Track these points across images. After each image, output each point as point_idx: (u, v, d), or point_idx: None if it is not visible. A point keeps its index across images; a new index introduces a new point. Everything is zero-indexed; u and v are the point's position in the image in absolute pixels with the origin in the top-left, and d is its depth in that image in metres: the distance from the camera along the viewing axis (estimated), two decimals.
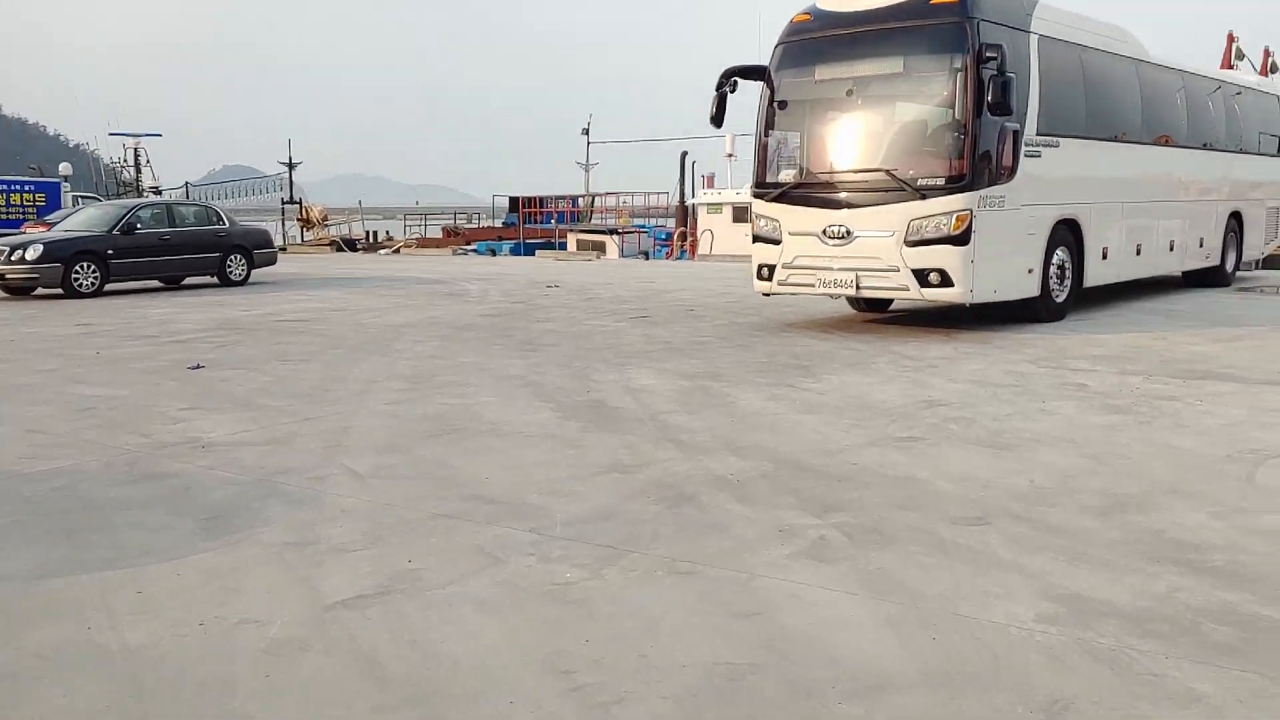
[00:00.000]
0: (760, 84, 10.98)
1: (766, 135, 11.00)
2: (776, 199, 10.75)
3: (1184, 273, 15.07)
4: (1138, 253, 12.77)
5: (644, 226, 33.95)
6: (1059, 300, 11.22)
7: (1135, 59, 12.67)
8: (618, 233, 31.83)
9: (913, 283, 9.96)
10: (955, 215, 9.71)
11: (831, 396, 7.27)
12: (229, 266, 18.34)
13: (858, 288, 10.27)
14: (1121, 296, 13.40)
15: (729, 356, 9.12)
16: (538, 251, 29.07)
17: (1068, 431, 6.09)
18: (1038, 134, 10.51)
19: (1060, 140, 10.92)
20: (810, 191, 10.56)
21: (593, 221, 37.41)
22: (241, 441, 6.21)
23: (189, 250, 17.75)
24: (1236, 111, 15.80)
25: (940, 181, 9.78)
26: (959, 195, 9.71)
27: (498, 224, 42.71)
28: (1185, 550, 4.06)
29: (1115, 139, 12.23)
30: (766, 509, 4.67)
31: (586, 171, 41.73)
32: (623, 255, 28.84)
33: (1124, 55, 12.44)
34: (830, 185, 10.47)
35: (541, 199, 39.34)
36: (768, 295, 11.35)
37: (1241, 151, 15.77)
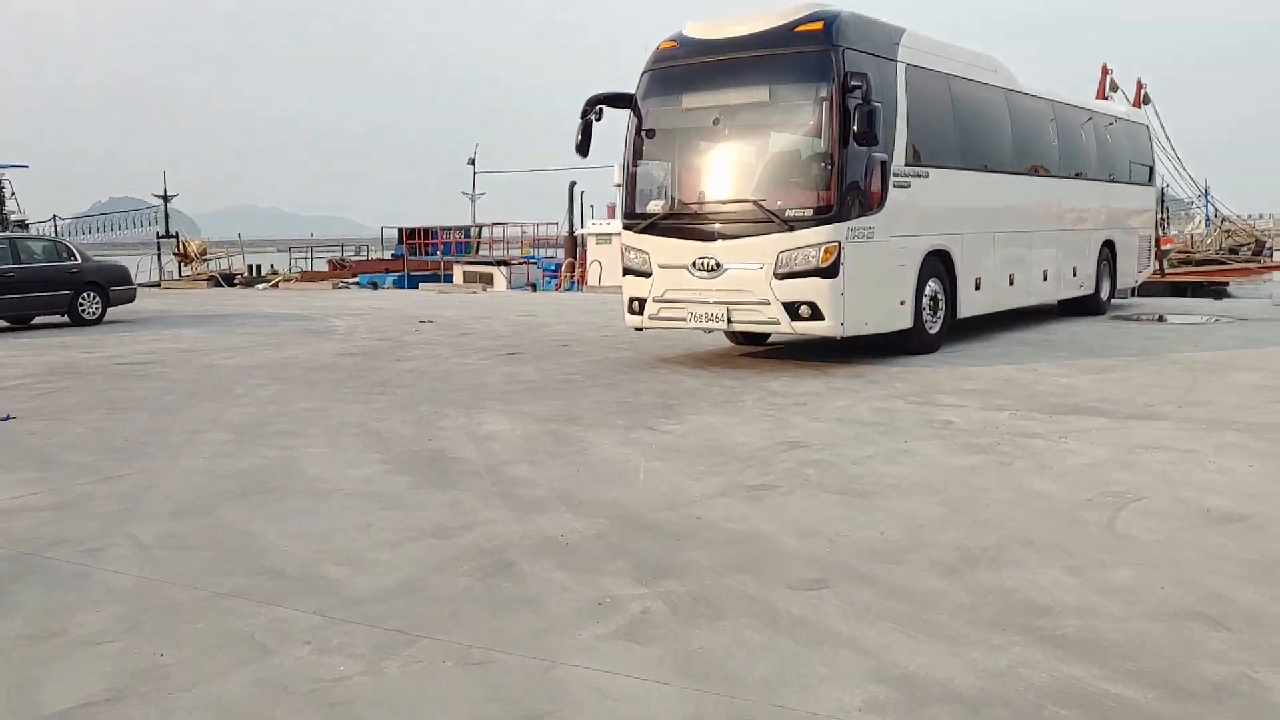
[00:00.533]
0: (628, 112, 10.62)
1: (634, 165, 10.63)
2: (645, 230, 10.37)
3: (1060, 301, 15.18)
4: (1011, 283, 12.75)
5: (533, 258, 33.42)
6: (933, 332, 11.06)
7: (1005, 88, 12.70)
8: (506, 264, 31.23)
9: (783, 316, 9.66)
10: (823, 247, 9.45)
11: (690, 439, 6.86)
12: (81, 304, 17.25)
13: (729, 321, 9.93)
14: (997, 326, 13.36)
15: (592, 396, 8.66)
16: (422, 284, 28.29)
17: (927, 475, 5.76)
18: (906, 164, 10.36)
19: (930, 170, 10.80)
20: (679, 223, 10.21)
21: (482, 253, 36.70)
22: (20, 507, 5.51)
23: (35, 288, 16.63)
24: (1108, 141, 16.07)
25: (808, 213, 9.52)
26: (827, 227, 9.45)
27: (388, 256, 41.69)
28: (1035, 614, 3.70)
29: (986, 169, 12.20)
30: (591, 577, 4.19)
31: (473, 202, 41.05)
32: (510, 287, 28.25)
33: (994, 85, 12.46)
34: (699, 216, 10.14)
35: (430, 230, 38.50)
36: (640, 330, 10.96)
37: (1113, 180, 16.02)
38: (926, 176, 10.73)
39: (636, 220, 10.49)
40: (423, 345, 12.92)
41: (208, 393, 9.35)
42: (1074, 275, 14.62)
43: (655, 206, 10.47)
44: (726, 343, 12.10)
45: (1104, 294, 15.74)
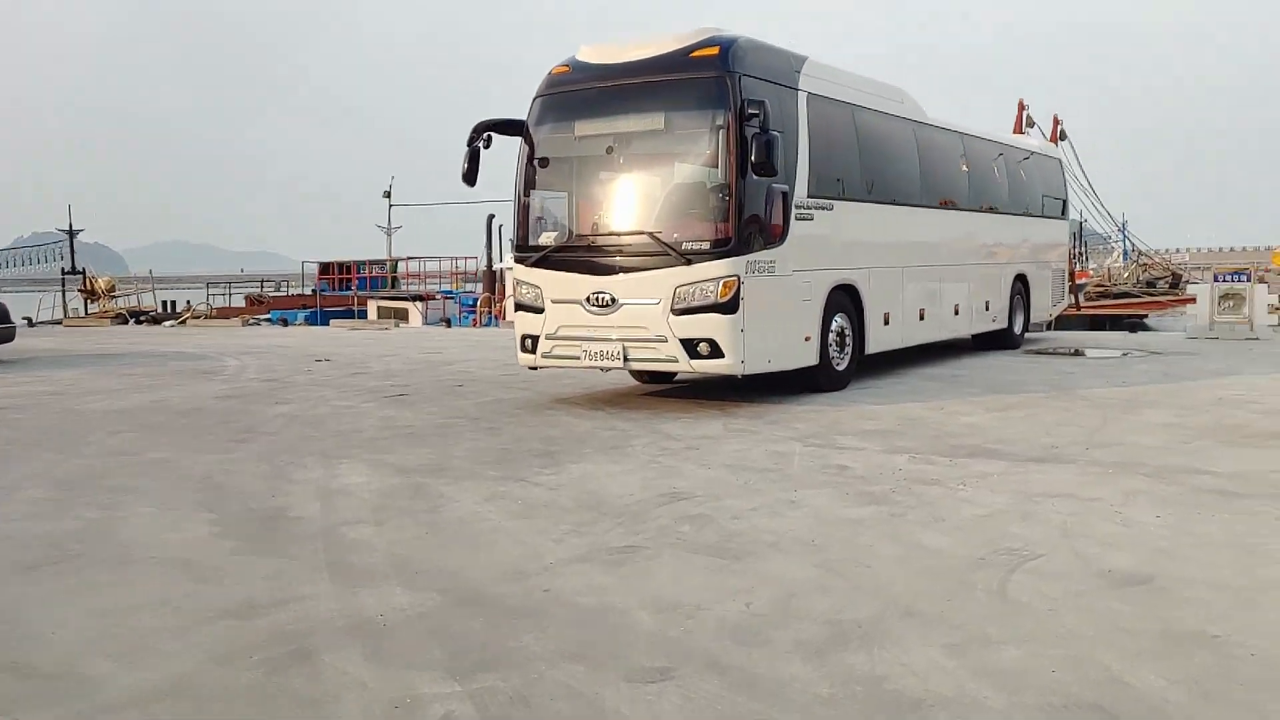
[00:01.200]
0: (519, 140, 10.09)
1: (526, 195, 10.08)
2: (537, 264, 9.81)
3: (973, 335, 14.95)
4: (922, 317, 12.42)
5: (450, 292, 32.67)
6: (840, 368, 10.64)
7: (913, 120, 12.44)
8: (422, 299, 30.44)
9: (682, 354, 9.15)
10: (722, 281, 8.97)
11: (564, 492, 6.27)
12: None
13: (625, 359, 9.39)
14: (909, 362, 13.03)
15: (470, 443, 8.03)
16: (334, 321, 27.40)
17: (811, 530, 5.25)
18: (809, 196, 9.96)
19: (834, 203, 10.42)
20: (573, 256, 9.67)
21: (403, 287, 35.84)
22: None
23: None
24: (1020, 175, 15.96)
25: (705, 246, 9.05)
26: (725, 260, 8.99)
27: (308, 291, 40.61)
28: (903, 710, 3.17)
29: (893, 202, 11.89)
30: (398, 671, 3.57)
31: (389, 235, 40.24)
32: (426, 323, 27.48)
33: (901, 116, 12.18)
34: (593, 249, 9.61)
35: (348, 264, 37.55)
36: (534, 369, 10.38)
37: (1026, 214, 15.89)
38: (831, 209, 10.35)
39: (528, 253, 9.93)
40: (309, 386, 12.17)
41: (53, 441, 8.53)
42: (987, 309, 14.39)
43: (548, 239, 9.93)
44: (632, 381, 11.57)
45: (1017, 328, 15.55)
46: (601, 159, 9.73)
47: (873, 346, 11.29)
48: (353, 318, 28.82)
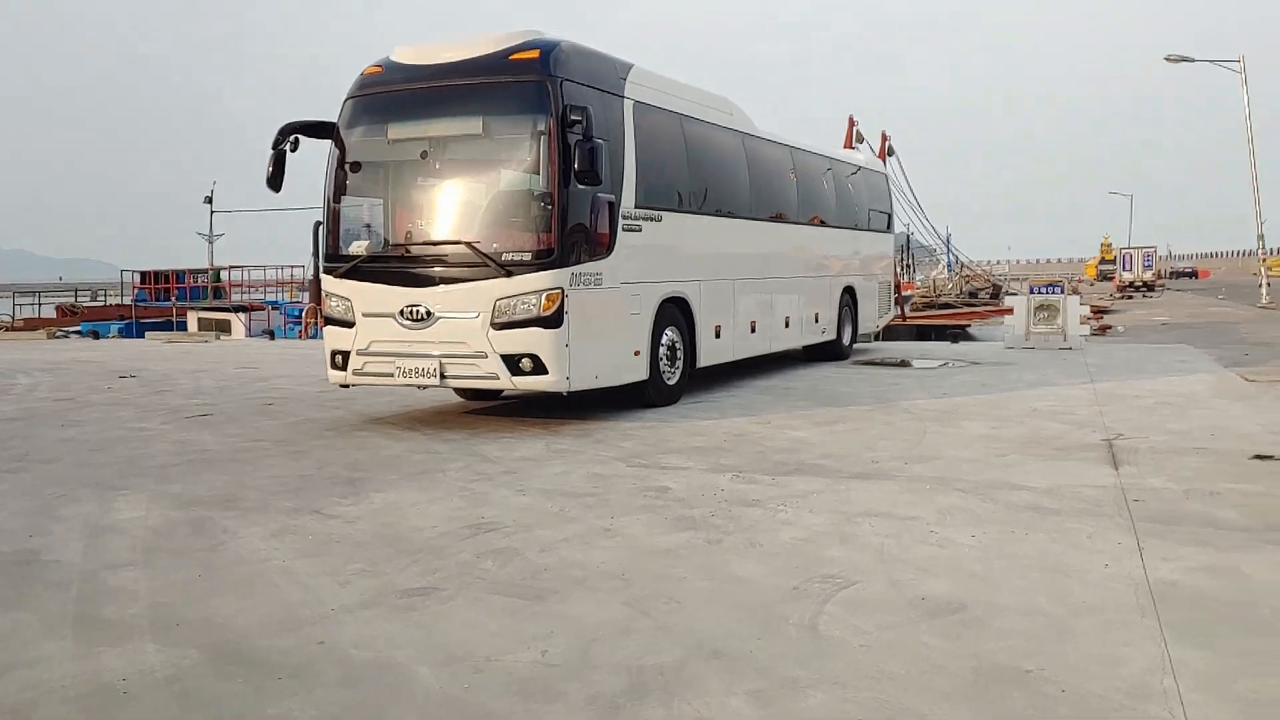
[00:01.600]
0: (329, 143, 9.50)
1: (336, 201, 9.48)
2: (348, 274, 9.24)
3: (805, 347, 15.07)
4: (753, 330, 12.37)
5: (275, 303, 31.26)
6: (671, 383, 10.44)
7: (742, 132, 12.40)
8: (246, 310, 28.99)
9: (503, 370, 8.74)
10: (545, 294, 8.62)
11: (362, 525, 5.78)
12: None
13: (442, 377, 8.91)
14: (742, 374, 12.99)
15: (269, 469, 7.42)
16: (150, 333, 25.74)
17: (622, 563, 4.94)
18: (637, 207, 9.72)
19: (663, 214, 10.23)
20: (385, 266, 9.14)
21: (226, 297, 34.10)
22: None
23: None
24: (849, 189, 16.21)
25: (527, 257, 8.68)
26: (548, 272, 8.64)
27: (127, 301, 38.23)
28: None
29: (724, 214, 11.80)
30: None
31: (210, 243, 38.32)
32: (250, 335, 26.14)
33: (730, 128, 12.11)
34: (408, 259, 9.11)
35: (168, 274, 35.49)
36: (346, 387, 9.79)
37: (854, 228, 16.15)
38: (660, 220, 10.15)
39: (338, 263, 9.35)
40: (105, 406, 11.19)
41: None
42: (816, 321, 14.51)
43: (359, 248, 9.37)
44: (456, 398, 11.08)
45: (846, 339, 15.77)
46: (417, 164, 9.24)
47: (705, 360, 11.15)
48: (171, 329, 27.18)
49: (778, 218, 13.32)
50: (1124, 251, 60.13)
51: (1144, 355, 15.51)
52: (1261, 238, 31.57)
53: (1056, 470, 6.99)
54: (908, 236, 56.92)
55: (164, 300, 33.55)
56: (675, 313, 10.54)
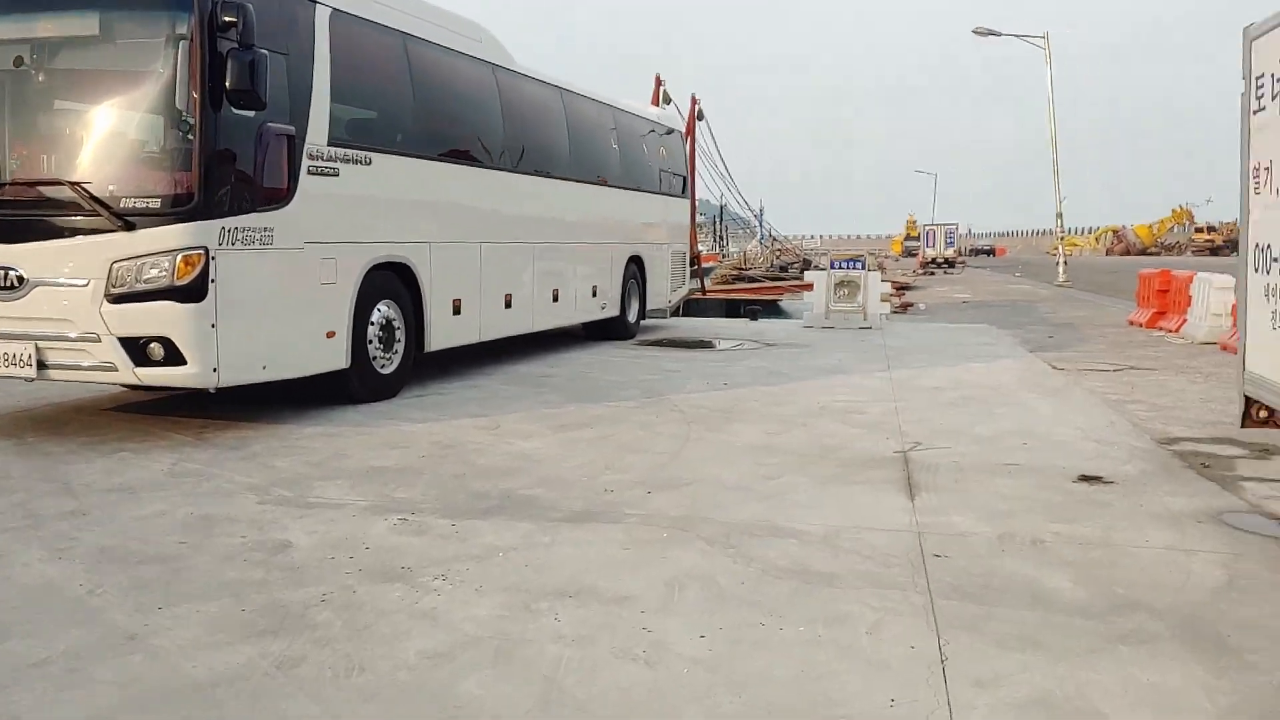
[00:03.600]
0: None
1: None
2: None
3: (585, 325, 13.21)
4: (509, 305, 10.34)
5: None
6: (385, 371, 8.33)
7: (494, 64, 10.29)
8: None
9: (123, 358, 6.42)
10: (180, 255, 6.34)
11: None
12: None
13: (41, 366, 6.52)
14: (502, 357, 11.01)
15: None
16: None
17: (131, 711, 2.85)
18: (332, 143, 7.52)
19: (373, 156, 8.05)
20: None
21: None
22: None
23: None
24: (638, 147, 14.38)
25: (155, 203, 6.36)
26: (185, 225, 6.36)
27: None
28: None
29: (468, 161, 9.70)
30: None
31: None
32: None
33: (476, 57, 9.98)
34: None
35: None
36: None
37: (643, 190, 14.33)
38: (369, 164, 7.97)
39: None
40: None
41: None
42: (595, 295, 12.63)
43: None
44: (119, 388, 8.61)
45: (633, 316, 13.98)
46: (9, 76, 6.74)
47: (438, 342, 9.06)
48: None
49: (543, 171, 11.32)
50: (927, 228, 61.27)
51: (946, 337, 14.38)
52: (1060, 216, 31.85)
53: (838, 501, 5.30)
54: (721, 207, 56.49)
55: None
56: (395, 283, 8.41)
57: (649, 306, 14.73)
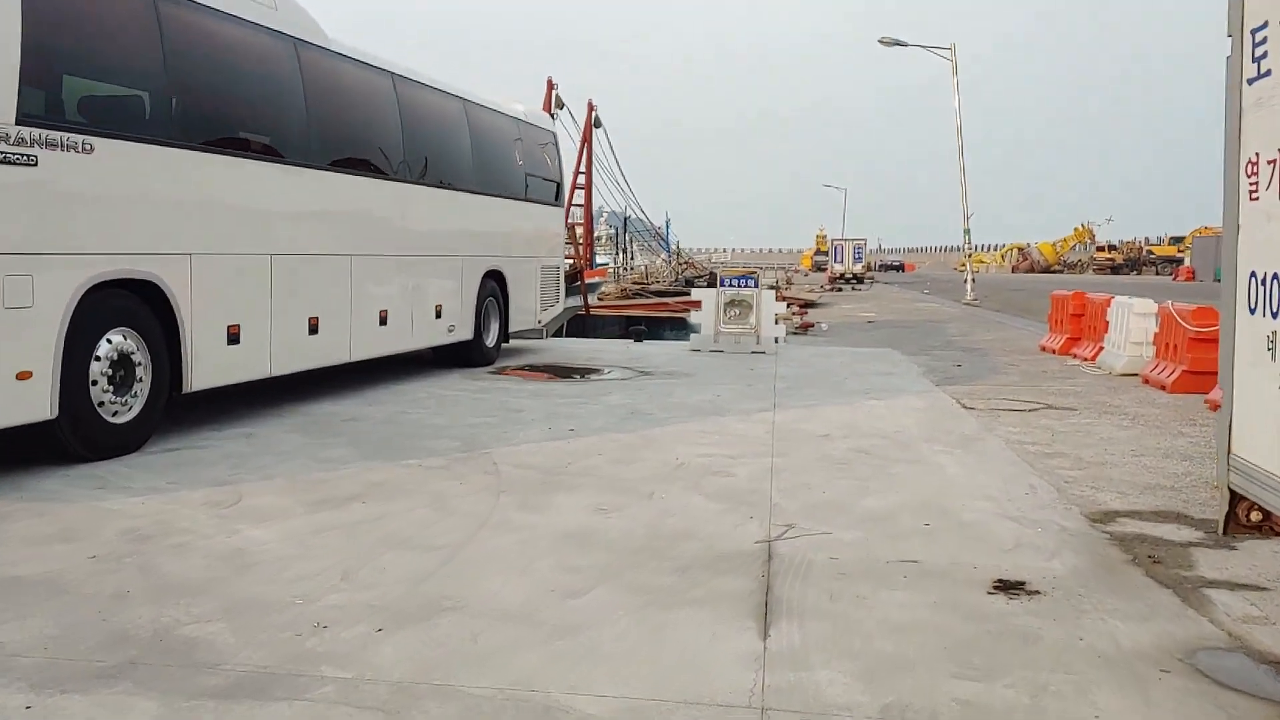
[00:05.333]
0: None
1: None
2: None
3: (435, 349, 11.42)
4: (314, 330, 8.49)
5: None
6: (121, 420, 6.45)
7: (294, 38, 8.44)
8: None
9: None
10: None
11: None
12: None
13: None
14: (315, 389, 9.15)
15: None
16: None
17: None
18: (23, 121, 5.62)
19: (97, 141, 6.16)
20: None
21: None
22: None
23: None
24: (502, 147, 12.63)
25: None
26: None
27: None
28: None
29: (255, 154, 7.85)
30: None
31: None
32: None
33: (268, 27, 8.12)
34: None
35: None
36: None
37: (506, 196, 12.57)
38: (89, 150, 6.08)
39: None
40: None
41: None
42: (439, 317, 10.83)
43: None
44: None
45: (490, 339, 12.21)
46: None
47: (204, 379, 7.19)
48: None
49: (367, 171, 9.50)
50: (836, 243, 60.58)
51: (845, 364, 12.92)
52: (967, 232, 30.91)
53: (658, 643, 3.63)
54: (625, 219, 54.88)
55: None
56: (136, 305, 6.52)
57: (514, 328, 12.99)
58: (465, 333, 11.48)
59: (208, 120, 7.40)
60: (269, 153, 8.03)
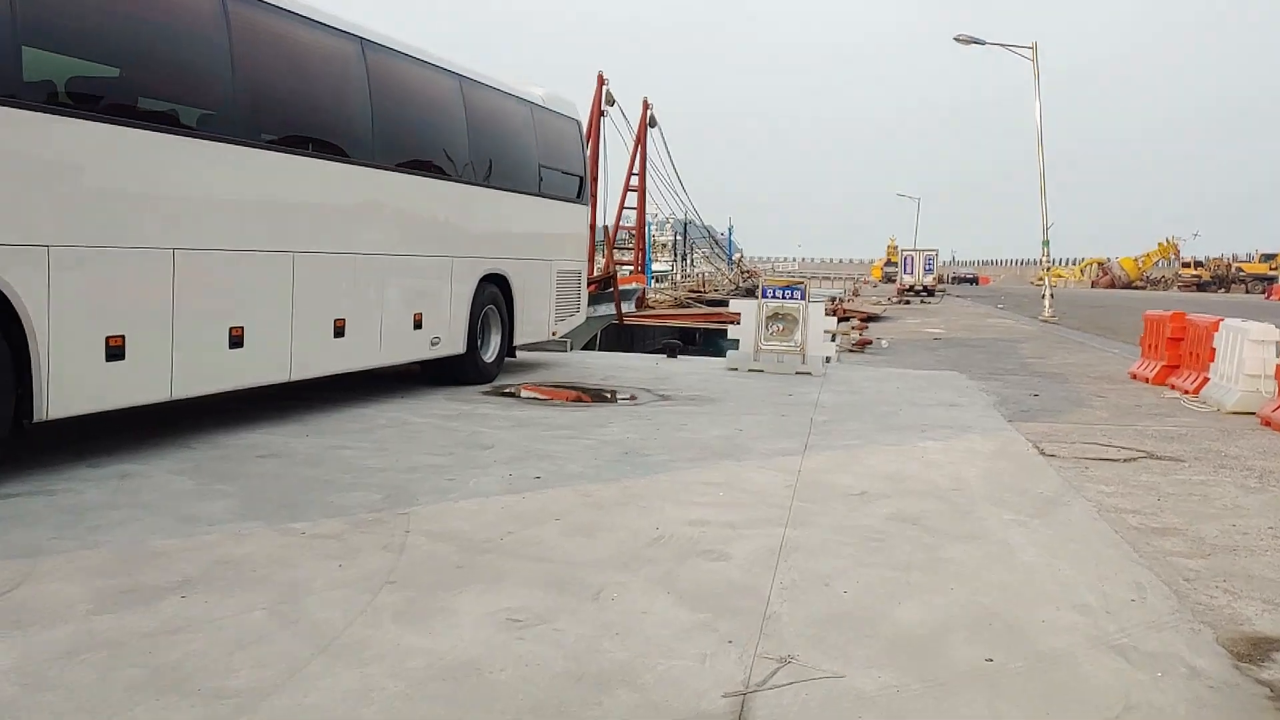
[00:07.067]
0: None
1: None
2: None
3: (422, 364, 9.91)
4: (237, 343, 6.96)
5: None
6: None
7: None
8: None
9: None
10: None
11: None
12: None
13: None
14: (255, 411, 7.64)
15: None
16: None
17: None
18: None
19: None
20: None
21: None
22: None
23: None
24: (509, 133, 11.08)
25: None
26: None
27: None
28: None
29: (150, 123, 6.33)
30: None
31: None
32: None
33: None
34: None
35: None
36: None
37: (512, 190, 11.00)
38: None
39: None
40: None
41: None
42: (418, 327, 9.28)
43: None
44: None
45: (489, 353, 10.64)
46: None
47: (68, 404, 5.70)
48: None
49: (313, 149, 7.97)
50: (906, 254, 58.07)
51: (901, 391, 11.10)
52: (1046, 244, 28.62)
53: None
54: (685, 224, 53.11)
55: None
56: None
57: (522, 340, 11.40)
58: (455, 346, 9.91)
59: (80, 81, 5.91)
60: (179, 125, 6.53)
